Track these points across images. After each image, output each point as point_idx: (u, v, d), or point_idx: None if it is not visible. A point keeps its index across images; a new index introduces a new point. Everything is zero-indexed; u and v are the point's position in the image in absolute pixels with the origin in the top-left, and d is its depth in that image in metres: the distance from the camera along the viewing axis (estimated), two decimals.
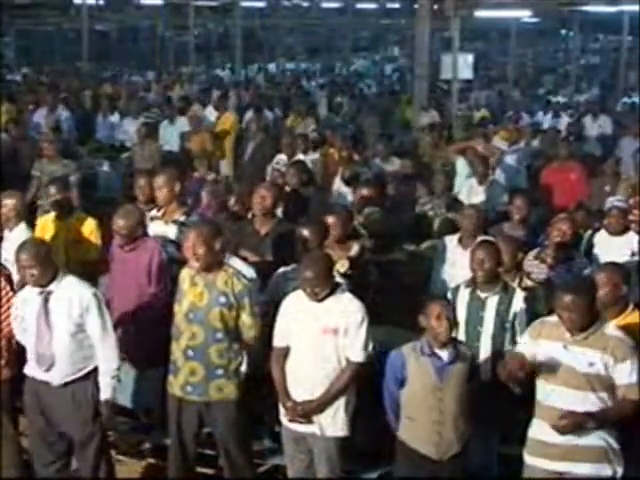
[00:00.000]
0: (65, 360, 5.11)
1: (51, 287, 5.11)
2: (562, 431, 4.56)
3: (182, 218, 6.62)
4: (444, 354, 4.87)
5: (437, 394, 4.84)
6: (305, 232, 6.06)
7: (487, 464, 5.62)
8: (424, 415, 4.89)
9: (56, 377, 5.14)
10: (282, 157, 10.00)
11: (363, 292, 5.46)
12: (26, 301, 5.20)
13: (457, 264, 6.46)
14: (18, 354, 5.40)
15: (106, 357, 5.16)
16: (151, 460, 6.12)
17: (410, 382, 4.91)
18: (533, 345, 4.74)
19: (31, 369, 5.25)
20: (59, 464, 5.34)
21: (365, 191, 8.06)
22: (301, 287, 5.08)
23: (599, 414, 4.56)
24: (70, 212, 7.34)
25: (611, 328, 4.68)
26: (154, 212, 6.78)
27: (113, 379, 5.18)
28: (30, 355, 5.23)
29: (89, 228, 7.24)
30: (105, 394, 5.17)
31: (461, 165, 10.24)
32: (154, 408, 6.05)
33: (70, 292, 5.10)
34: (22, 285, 5.38)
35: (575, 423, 4.54)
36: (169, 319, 5.44)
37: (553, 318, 4.75)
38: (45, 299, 5.11)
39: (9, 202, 6.75)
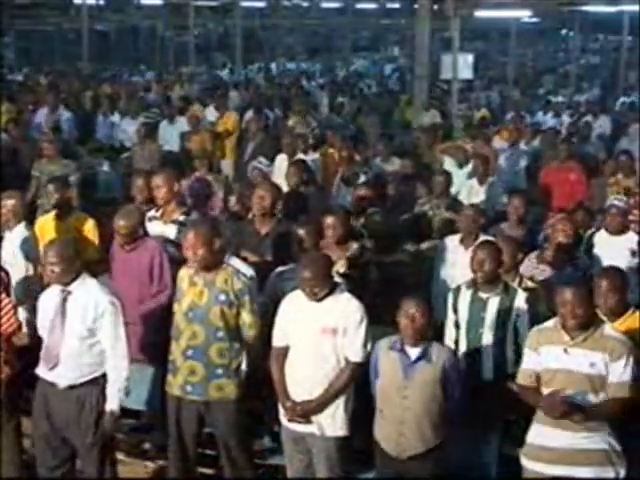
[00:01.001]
0: (72, 362, 5.09)
1: (71, 288, 5.11)
2: (548, 413, 4.52)
3: (181, 218, 6.62)
4: (413, 352, 4.89)
5: (401, 391, 4.86)
6: (300, 232, 6.09)
7: (487, 464, 5.62)
8: (388, 410, 4.93)
9: (62, 378, 5.12)
10: (283, 156, 10.00)
11: (362, 292, 5.46)
12: (48, 298, 5.21)
13: (458, 264, 6.46)
14: (25, 356, 5.39)
15: (116, 366, 5.12)
16: (152, 460, 6.12)
17: (380, 376, 4.97)
18: (536, 358, 4.74)
19: (41, 369, 5.24)
20: (63, 469, 5.30)
21: (363, 192, 8.07)
22: (300, 287, 5.08)
23: (588, 410, 4.53)
24: (69, 212, 7.35)
25: (609, 329, 4.69)
26: (152, 212, 6.78)
27: (120, 391, 5.12)
28: (42, 353, 5.23)
29: (87, 228, 7.25)
30: (110, 404, 5.12)
31: (448, 165, 10.25)
32: (159, 408, 6.03)
33: (88, 295, 5.09)
34: (48, 283, 5.39)
35: (561, 408, 4.49)
36: (171, 319, 5.43)
37: (550, 324, 4.76)
38: (64, 299, 5.11)
39: (8, 202, 6.74)
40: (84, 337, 5.07)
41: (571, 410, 4.50)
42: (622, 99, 20.15)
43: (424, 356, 4.88)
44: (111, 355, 5.12)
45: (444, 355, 4.96)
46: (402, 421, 4.87)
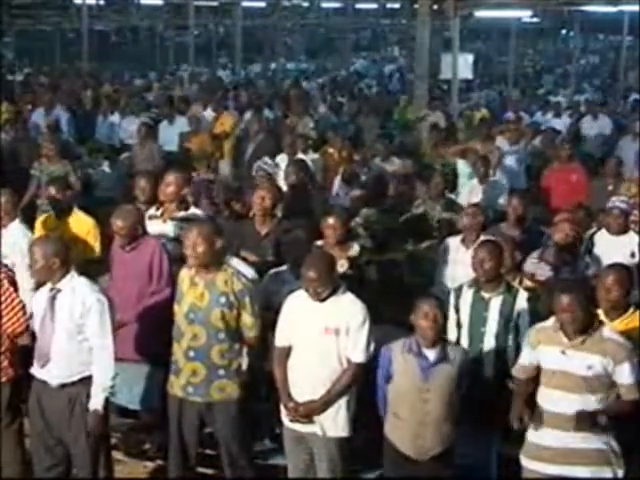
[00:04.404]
0: (62, 360, 5.08)
1: (59, 285, 5.10)
2: (578, 430, 4.55)
3: (180, 214, 6.63)
4: (431, 354, 4.87)
5: (421, 394, 4.84)
6: (294, 234, 6.11)
7: (487, 465, 5.61)
8: (407, 413, 4.90)
9: (53, 377, 5.11)
10: (283, 157, 9.99)
11: (361, 292, 5.45)
12: (38, 298, 5.21)
13: (459, 263, 6.46)
14: (28, 358, 5.39)
15: (101, 366, 5.07)
16: (152, 460, 6.12)
17: (395, 379, 4.92)
18: (534, 355, 4.77)
19: (34, 367, 5.23)
20: (60, 468, 5.27)
21: (359, 192, 8.08)
22: (304, 287, 5.08)
23: (606, 409, 4.58)
24: (68, 212, 7.33)
25: (608, 331, 4.70)
26: (152, 211, 6.78)
27: (105, 390, 5.07)
28: (34, 352, 5.22)
29: (87, 227, 7.23)
30: (94, 404, 5.07)
31: (462, 167, 10.25)
32: (157, 408, 6.02)
33: (76, 293, 5.08)
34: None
35: (590, 421, 4.53)
36: (171, 319, 5.43)
37: (549, 323, 4.77)
38: (53, 297, 5.10)
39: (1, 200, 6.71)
40: (73, 334, 5.05)
41: (594, 419, 4.54)
42: (634, 96, 20.07)
43: (443, 358, 4.86)
44: (97, 352, 5.08)
45: (459, 355, 4.96)
46: (423, 423, 4.85)
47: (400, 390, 4.91)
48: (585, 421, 4.56)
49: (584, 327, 4.61)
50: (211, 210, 7.80)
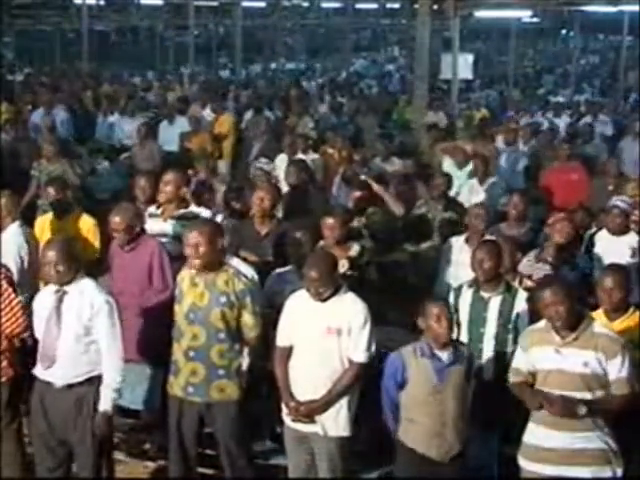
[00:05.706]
0: (69, 361, 5.07)
1: (67, 287, 5.08)
2: (557, 414, 4.54)
3: (180, 212, 6.63)
4: (444, 355, 4.86)
5: (438, 396, 4.83)
6: (298, 235, 6.09)
7: (487, 465, 5.61)
8: (425, 417, 4.88)
9: (58, 378, 5.10)
10: (283, 157, 9.99)
11: (361, 292, 5.45)
12: (42, 299, 5.19)
13: (463, 263, 6.46)
14: (26, 356, 5.38)
15: (111, 366, 5.07)
16: (152, 460, 6.12)
17: (411, 384, 4.89)
18: (527, 358, 4.76)
19: (37, 368, 5.21)
20: (61, 470, 5.25)
21: (359, 193, 8.09)
22: (305, 287, 5.08)
23: (591, 403, 4.56)
24: (68, 212, 7.33)
25: (598, 327, 4.70)
26: (153, 209, 6.78)
27: (114, 392, 5.08)
28: (38, 354, 5.20)
29: (87, 227, 7.23)
30: (104, 405, 5.07)
31: (447, 165, 10.25)
32: (158, 408, 6.02)
33: (83, 294, 5.06)
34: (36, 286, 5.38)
35: (566, 407, 4.53)
36: (171, 319, 5.42)
37: (541, 324, 4.78)
38: (59, 299, 5.08)
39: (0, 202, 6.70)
40: (80, 336, 5.04)
41: (574, 405, 4.52)
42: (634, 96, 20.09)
43: (457, 358, 4.86)
44: (106, 355, 5.08)
45: (466, 353, 4.98)
46: (442, 423, 4.85)
47: (416, 394, 4.88)
48: (568, 407, 4.52)
49: (574, 323, 4.60)
50: (226, 210, 7.82)
